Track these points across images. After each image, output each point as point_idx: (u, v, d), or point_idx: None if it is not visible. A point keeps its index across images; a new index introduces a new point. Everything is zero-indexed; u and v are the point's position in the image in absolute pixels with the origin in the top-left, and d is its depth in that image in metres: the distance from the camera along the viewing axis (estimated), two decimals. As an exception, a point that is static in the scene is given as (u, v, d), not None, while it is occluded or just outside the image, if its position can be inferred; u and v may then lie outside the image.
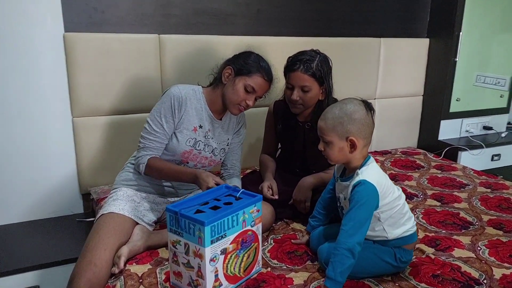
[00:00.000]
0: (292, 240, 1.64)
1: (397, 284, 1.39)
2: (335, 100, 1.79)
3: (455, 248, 1.62)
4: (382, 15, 2.74)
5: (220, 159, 1.82)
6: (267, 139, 2.03)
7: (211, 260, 1.25)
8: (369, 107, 1.35)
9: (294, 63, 1.72)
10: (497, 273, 1.45)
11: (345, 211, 1.43)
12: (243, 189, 1.47)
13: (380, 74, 2.76)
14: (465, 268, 1.47)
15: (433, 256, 1.54)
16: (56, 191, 2.13)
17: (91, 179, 2.16)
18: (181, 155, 1.69)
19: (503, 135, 3.05)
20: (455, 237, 1.71)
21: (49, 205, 2.13)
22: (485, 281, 1.40)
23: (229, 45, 2.26)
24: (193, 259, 1.27)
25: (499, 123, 3.13)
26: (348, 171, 1.43)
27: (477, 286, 1.37)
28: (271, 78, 1.69)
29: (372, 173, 1.35)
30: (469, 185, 2.30)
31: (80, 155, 2.12)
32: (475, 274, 1.44)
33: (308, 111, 1.84)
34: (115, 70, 2.08)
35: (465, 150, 2.79)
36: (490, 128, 3.07)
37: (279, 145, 2.04)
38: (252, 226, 1.41)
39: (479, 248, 1.62)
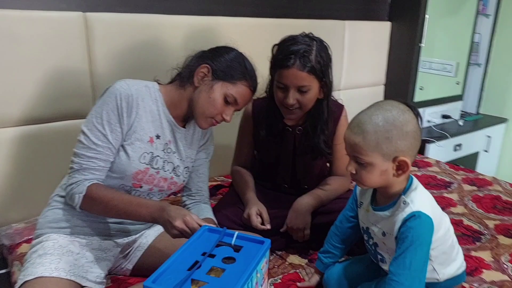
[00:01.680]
0: (298, 284, 1.26)
1: None
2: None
3: (483, 270, 1.40)
4: (344, -6, 2.43)
5: (183, 181, 1.35)
6: (242, 147, 1.59)
7: None
8: (417, 113, 1.00)
9: (287, 57, 1.29)
10: (541, 299, 1.24)
11: (380, 249, 1.08)
12: (236, 232, 1.04)
13: (345, 62, 2.44)
14: (506, 297, 1.24)
15: (468, 286, 1.29)
16: None
17: (-3, 215, 1.55)
18: (133, 176, 1.20)
19: (460, 123, 2.95)
20: (473, 253, 1.50)
21: None
22: (534, 313, 1.17)
23: (178, 27, 1.82)
24: None
25: (455, 111, 3.02)
26: (383, 196, 1.07)
27: (532, 322, 1.13)
28: (256, 86, 1.29)
29: (424, 200, 1.01)
30: (453, 183, 2.12)
31: (-23, 183, 1.50)
32: (520, 304, 1.21)
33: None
34: (24, 62, 1.49)
35: (433, 142, 2.61)
36: (449, 117, 2.95)
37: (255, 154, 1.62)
38: (261, 286, 0.99)
39: (505, 266, 1.43)
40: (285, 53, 1.30)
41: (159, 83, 1.29)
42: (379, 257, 1.11)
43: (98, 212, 1.19)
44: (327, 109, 1.41)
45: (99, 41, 1.63)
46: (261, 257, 0.95)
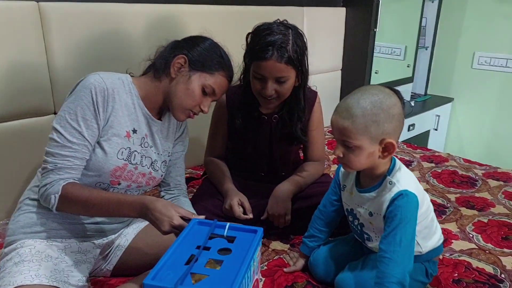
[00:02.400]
0: (284, 270, 1.27)
1: None
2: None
3: (452, 241, 1.50)
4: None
5: (161, 175, 1.31)
6: (215, 138, 1.56)
7: None
8: (401, 97, 1.03)
9: (264, 49, 1.27)
10: (507, 263, 1.37)
11: (367, 228, 1.12)
12: (228, 223, 1.03)
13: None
14: (476, 263, 1.36)
15: (440, 256, 1.36)
16: None
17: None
18: (111, 173, 1.15)
19: (411, 104, 3.09)
20: (441, 225, 1.54)
21: None
22: (502, 276, 1.30)
23: (139, 16, 1.77)
24: None
25: (406, 93, 3.16)
26: (368, 178, 1.10)
27: (501, 284, 1.26)
28: (232, 76, 1.27)
29: (408, 179, 1.05)
30: (413, 161, 2.22)
31: None
32: (489, 269, 1.34)
33: None
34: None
35: (389, 123, 2.72)
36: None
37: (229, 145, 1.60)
38: (257, 274, 1.00)
39: (471, 235, 1.53)
40: (262, 44, 1.28)
41: (131, 75, 1.23)
42: (366, 236, 1.15)
43: (76, 212, 1.13)
44: (304, 97, 1.42)
45: (55, 32, 1.52)
46: (256, 245, 0.95)
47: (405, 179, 1.04)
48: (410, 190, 1.01)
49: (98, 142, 1.13)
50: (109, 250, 1.25)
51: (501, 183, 1.94)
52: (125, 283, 1.14)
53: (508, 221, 1.60)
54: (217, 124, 1.54)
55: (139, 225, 1.31)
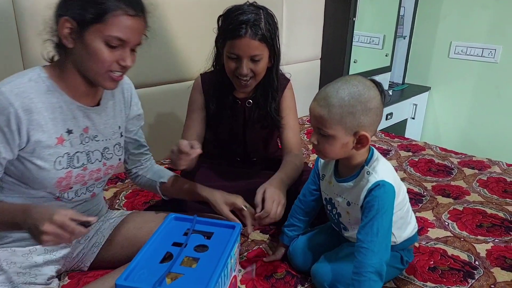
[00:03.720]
0: (264, 259, 1.27)
1: None
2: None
3: (428, 229, 1.52)
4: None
5: (120, 159, 1.22)
6: (191, 123, 1.50)
7: None
8: (382, 89, 1.03)
9: (238, 27, 1.28)
10: (481, 250, 1.40)
11: (343, 218, 1.12)
12: (195, 216, 1.02)
13: (284, 37, 2.45)
14: (451, 251, 1.38)
15: (417, 245, 1.39)
16: None
17: None
18: (56, 186, 1.06)
19: (389, 93, 3.12)
20: (417, 214, 1.61)
21: None
22: (476, 263, 1.33)
23: None
24: None
25: (385, 82, 3.19)
26: (346, 167, 1.10)
27: (475, 271, 1.28)
28: (142, 7, 1.03)
29: (385, 169, 1.06)
30: (391, 150, 2.25)
31: None
32: (463, 256, 1.36)
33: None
34: None
35: (368, 112, 2.74)
36: (380, 88, 3.10)
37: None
38: (234, 271, 0.99)
39: (446, 223, 1.56)
40: (235, 23, 1.29)
41: (45, 66, 1.06)
42: (342, 225, 1.16)
43: None
44: (276, 77, 1.44)
45: (29, 20, 1.47)
46: (234, 242, 0.95)
47: (382, 169, 1.04)
48: (387, 180, 1.02)
49: (28, 159, 1.01)
50: (84, 248, 1.21)
51: (476, 171, 1.98)
52: (103, 276, 1.12)
53: (483, 209, 1.64)
54: (193, 109, 1.50)
55: (115, 219, 1.27)
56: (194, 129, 1.50)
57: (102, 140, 1.15)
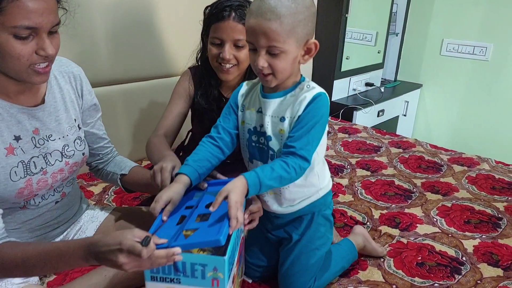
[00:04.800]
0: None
1: (394, 286, 1.20)
2: None
3: (417, 225, 1.53)
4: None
5: (83, 153, 1.14)
6: (175, 109, 1.43)
7: None
8: None
9: (222, 10, 1.29)
10: (468, 246, 1.41)
11: (274, 142, 1.02)
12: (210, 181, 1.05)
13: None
14: (439, 247, 1.40)
15: (405, 241, 1.41)
16: None
17: None
18: (17, 197, 1.00)
19: (381, 90, 3.13)
20: (406, 210, 1.63)
21: None
22: (464, 259, 1.34)
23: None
24: None
25: (377, 78, 3.19)
26: (276, 89, 1.01)
27: (462, 267, 1.30)
28: None
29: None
30: (382, 147, 2.25)
31: None
32: (451, 252, 1.37)
33: (235, 80, 1.42)
34: None
35: (360, 109, 2.75)
36: (372, 85, 3.11)
37: (188, 130, 1.58)
38: (242, 231, 1.03)
39: (435, 220, 1.57)
40: (220, 7, 1.30)
41: None
42: (271, 153, 1.04)
43: (18, 276, 0.97)
44: None
45: None
46: None
47: (318, 87, 1.00)
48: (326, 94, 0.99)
49: None
50: None
51: (465, 168, 2.00)
52: (89, 272, 1.11)
53: (471, 205, 1.65)
54: (176, 95, 1.45)
55: (99, 219, 1.26)
56: (176, 114, 1.44)
57: (59, 138, 1.07)
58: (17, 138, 0.99)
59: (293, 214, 1.12)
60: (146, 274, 0.87)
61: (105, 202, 1.59)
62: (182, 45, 1.60)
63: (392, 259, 1.31)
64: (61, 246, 0.89)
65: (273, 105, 1.01)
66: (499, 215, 1.58)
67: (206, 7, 1.37)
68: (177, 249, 0.81)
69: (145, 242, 0.77)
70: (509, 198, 1.72)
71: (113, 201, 1.60)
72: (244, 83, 1.10)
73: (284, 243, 1.17)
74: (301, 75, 1.02)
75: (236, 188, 0.89)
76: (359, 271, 1.26)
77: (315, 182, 1.08)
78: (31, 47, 0.87)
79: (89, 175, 1.78)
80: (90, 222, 1.25)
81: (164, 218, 0.91)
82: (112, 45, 1.72)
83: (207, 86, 1.44)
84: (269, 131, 1.01)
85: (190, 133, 1.61)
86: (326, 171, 1.14)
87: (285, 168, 0.94)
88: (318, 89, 0.98)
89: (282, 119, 0.99)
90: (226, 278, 0.84)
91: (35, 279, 1.08)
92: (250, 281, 1.20)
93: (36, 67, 0.90)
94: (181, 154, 1.57)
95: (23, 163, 0.99)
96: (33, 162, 1.01)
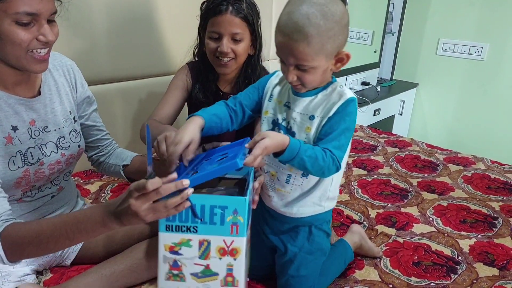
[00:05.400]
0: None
1: (390, 286, 1.20)
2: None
3: (413, 224, 1.53)
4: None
5: (79, 145, 1.16)
6: (170, 101, 1.43)
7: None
8: None
9: (219, 4, 1.30)
10: (464, 245, 1.42)
11: (298, 136, 1.01)
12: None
13: (273, 32, 2.43)
14: (435, 246, 1.40)
15: (401, 240, 1.42)
16: None
17: None
18: (15, 187, 1.01)
19: (377, 89, 3.13)
20: (402, 209, 1.63)
21: None
22: (459, 258, 1.35)
23: None
24: (219, 260, 0.87)
25: (373, 78, 3.20)
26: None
27: (458, 266, 1.31)
28: None
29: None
30: (378, 146, 2.26)
31: None
32: (447, 252, 1.38)
33: (232, 74, 1.43)
34: None
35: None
36: (368, 84, 3.12)
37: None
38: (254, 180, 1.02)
39: (431, 219, 1.57)
40: (217, 1, 1.31)
41: None
42: None
43: (34, 254, 0.95)
44: (259, 65, 1.44)
45: None
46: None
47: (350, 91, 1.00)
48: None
49: None
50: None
51: (461, 167, 2.01)
52: (87, 270, 1.11)
53: (467, 204, 1.66)
54: (173, 87, 1.45)
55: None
56: (172, 103, 1.43)
57: (55, 130, 1.09)
58: (15, 129, 1.01)
59: (291, 220, 1.10)
60: (161, 224, 0.84)
61: (101, 200, 1.59)
62: (180, 43, 1.60)
63: (388, 258, 1.32)
64: (76, 214, 0.90)
65: (303, 102, 1.00)
66: (495, 215, 1.59)
67: (203, 2, 1.38)
68: (186, 181, 0.77)
69: (149, 176, 0.76)
70: (505, 198, 1.73)
71: (109, 200, 1.59)
72: (278, 72, 1.07)
73: (279, 252, 1.15)
74: (333, 76, 1.01)
75: (275, 137, 0.88)
76: (355, 270, 1.26)
77: (326, 188, 1.06)
78: (32, 33, 0.91)
79: (86, 173, 1.78)
80: None
81: (189, 157, 0.90)
82: (110, 43, 1.71)
83: (205, 81, 1.45)
84: (295, 127, 1.01)
85: None
86: (339, 184, 1.12)
87: (323, 155, 0.93)
88: (350, 93, 0.97)
89: (312, 117, 0.98)
90: (246, 223, 0.83)
91: (32, 278, 1.09)
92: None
93: (34, 54, 0.93)
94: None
95: (20, 153, 1.01)
96: (30, 152, 1.03)
